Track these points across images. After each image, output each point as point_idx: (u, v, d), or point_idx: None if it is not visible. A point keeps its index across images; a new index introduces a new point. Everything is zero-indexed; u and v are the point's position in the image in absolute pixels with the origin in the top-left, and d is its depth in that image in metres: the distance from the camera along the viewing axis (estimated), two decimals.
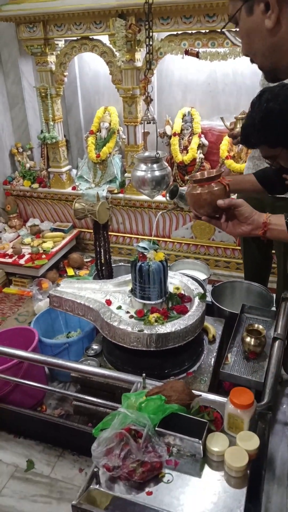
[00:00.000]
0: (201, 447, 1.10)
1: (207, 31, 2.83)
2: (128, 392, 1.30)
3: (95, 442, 1.09)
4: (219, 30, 1.07)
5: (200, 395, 1.28)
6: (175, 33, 2.92)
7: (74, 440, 1.86)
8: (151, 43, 1.64)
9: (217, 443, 1.11)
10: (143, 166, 1.88)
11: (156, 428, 1.13)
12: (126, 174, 3.54)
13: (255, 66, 0.93)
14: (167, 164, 1.96)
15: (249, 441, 1.10)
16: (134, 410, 1.16)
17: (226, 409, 1.16)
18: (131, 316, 1.80)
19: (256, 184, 1.65)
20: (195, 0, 2.66)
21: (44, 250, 3.41)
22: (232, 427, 1.16)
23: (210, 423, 1.17)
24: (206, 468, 1.09)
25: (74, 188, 3.74)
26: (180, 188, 1.88)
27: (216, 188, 1.26)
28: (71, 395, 1.89)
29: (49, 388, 1.91)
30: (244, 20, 0.85)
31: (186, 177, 3.32)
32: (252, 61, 0.92)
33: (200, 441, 1.10)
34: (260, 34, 0.82)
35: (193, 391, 1.27)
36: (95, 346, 1.97)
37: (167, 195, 1.88)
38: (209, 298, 2.17)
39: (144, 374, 1.37)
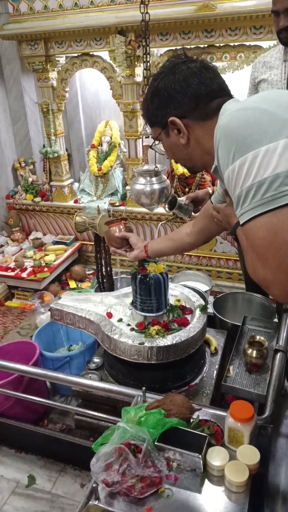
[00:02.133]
0: (201, 461, 1.09)
1: (206, 45, 2.87)
2: (129, 406, 1.30)
3: (94, 457, 1.09)
4: (150, 147, 1.31)
5: (200, 409, 1.27)
6: (174, 48, 2.97)
7: (75, 455, 1.85)
8: (148, 59, 1.67)
9: (217, 457, 1.10)
10: (142, 180, 1.90)
11: (156, 443, 1.12)
12: (127, 187, 3.57)
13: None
14: (166, 177, 1.98)
15: (250, 456, 1.09)
16: (134, 424, 1.15)
17: (226, 423, 1.14)
18: (132, 329, 1.80)
19: None
20: (193, 16, 2.71)
21: (46, 263, 3.42)
22: (233, 441, 1.15)
23: (210, 437, 1.16)
24: (207, 483, 1.08)
25: (76, 201, 3.77)
26: (179, 198, 1.90)
27: (117, 227, 1.75)
28: (73, 410, 1.88)
29: (51, 402, 1.90)
30: (165, 140, 1.16)
31: (187, 189, 3.35)
32: (176, 162, 1.10)
33: (200, 456, 1.08)
34: (178, 148, 1.13)
35: (193, 404, 1.26)
36: (96, 360, 1.96)
37: (166, 206, 1.91)
38: (211, 310, 2.17)
39: (144, 388, 1.36)
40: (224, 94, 1.08)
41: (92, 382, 1.65)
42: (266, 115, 0.90)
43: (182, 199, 1.90)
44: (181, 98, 1.05)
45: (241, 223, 0.93)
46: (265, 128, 0.88)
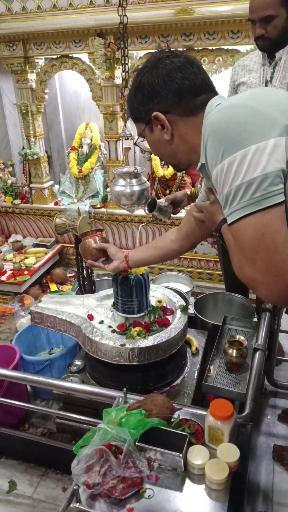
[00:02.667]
0: (182, 460, 1.09)
1: (185, 49, 2.90)
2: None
3: (75, 459, 1.08)
4: (134, 143, 1.30)
5: (181, 408, 1.28)
6: (153, 51, 2.98)
7: (57, 459, 1.83)
8: (127, 62, 1.68)
9: (197, 456, 1.11)
10: (122, 181, 1.91)
11: (137, 443, 1.13)
12: (108, 189, 3.57)
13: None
14: (146, 179, 1.99)
15: (229, 453, 1.10)
16: (115, 425, 1.16)
17: (206, 422, 1.16)
18: (114, 331, 1.80)
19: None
20: (171, 20, 2.74)
21: (26, 266, 3.39)
22: (213, 439, 1.16)
23: (190, 436, 1.17)
24: (187, 482, 1.09)
25: (56, 204, 3.75)
26: (158, 201, 1.90)
27: (93, 239, 1.70)
28: (54, 413, 1.86)
29: (31, 406, 1.88)
30: (149, 136, 1.14)
31: (168, 191, 3.37)
32: (161, 159, 1.10)
33: (181, 455, 1.09)
34: (162, 144, 1.12)
35: (173, 404, 1.27)
36: (77, 362, 1.95)
37: (146, 208, 1.90)
38: (192, 310, 2.18)
39: (125, 389, 1.36)
40: (209, 90, 1.06)
41: (73, 384, 1.64)
42: (255, 113, 0.89)
43: (162, 201, 1.91)
44: (165, 93, 1.04)
45: (229, 222, 0.93)
46: (255, 127, 0.87)
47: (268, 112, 0.89)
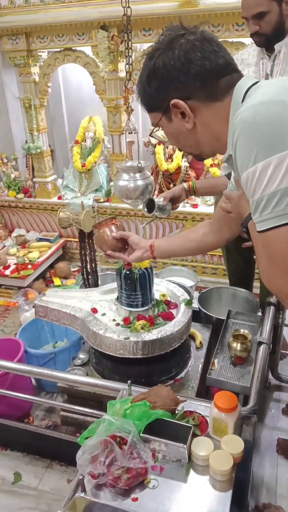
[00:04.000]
0: (186, 451, 1.10)
1: None
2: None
3: (80, 450, 1.09)
4: (149, 134, 1.16)
5: (185, 400, 1.29)
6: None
7: (62, 451, 1.84)
8: (130, 54, 1.67)
9: (202, 447, 1.11)
10: (125, 176, 1.90)
11: (141, 434, 1.13)
12: (111, 183, 3.56)
13: None
14: (149, 174, 1.98)
15: (234, 445, 1.10)
16: (119, 417, 1.16)
17: (211, 413, 1.16)
18: (117, 324, 1.80)
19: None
20: (175, 12, 2.72)
21: (30, 260, 3.39)
22: (217, 431, 1.16)
23: (195, 427, 1.17)
24: (192, 473, 1.10)
25: (59, 198, 3.75)
26: (156, 200, 1.85)
27: (108, 228, 1.61)
28: (58, 405, 1.87)
29: (36, 399, 1.90)
30: (167, 126, 1.03)
31: (171, 185, 3.36)
32: (180, 150, 1.15)
33: (185, 446, 1.10)
34: (183, 134, 1.01)
35: (178, 396, 1.28)
36: (82, 356, 1.96)
37: (144, 210, 1.84)
38: (196, 305, 2.18)
39: (129, 381, 1.37)
40: (232, 70, 0.95)
41: (77, 377, 1.65)
42: None
43: (160, 200, 1.86)
44: (184, 77, 0.92)
45: (258, 229, 0.87)
46: None
47: None
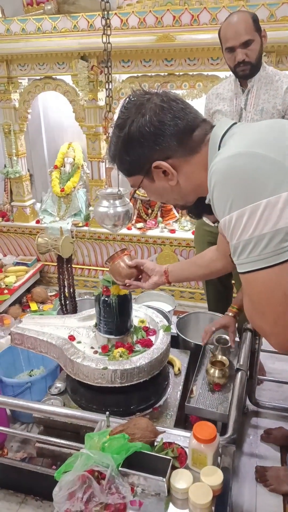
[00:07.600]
0: (165, 485, 1.09)
1: (166, 74, 2.98)
2: (92, 432, 1.28)
3: (57, 486, 1.06)
4: (131, 196, 1.12)
5: (164, 431, 1.28)
6: (135, 75, 3.06)
7: (37, 485, 1.78)
8: (110, 87, 1.72)
9: (181, 480, 1.10)
10: (105, 203, 1.92)
11: (120, 468, 1.11)
12: (90, 208, 3.58)
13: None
14: (128, 200, 2.01)
15: (213, 476, 1.10)
16: (97, 450, 1.14)
17: (190, 445, 1.15)
18: (96, 352, 1.78)
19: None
20: (153, 46, 2.82)
21: (6, 285, 3.34)
22: (196, 462, 1.16)
23: (174, 459, 1.16)
24: (171, 507, 1.08)
25: (38, 222, 3.74)
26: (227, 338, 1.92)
27: (121, 260, 1.60)
28: (34, 437, 1.82)
29: (10, 430, 1.84)
30: (150, 186, 1.06)
31: (150, 211, 3.40)
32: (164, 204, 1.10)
33: (164, 479, 1.08)
34: (167, 190, 1.05)
35: (157, 427, 1.27)
36: (58, 384, 1.92)
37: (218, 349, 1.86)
38: (174, 330, 2.19)
39: (107, 413, 1.35)
40: (201, 121, 1.00)
41: (54, 408, 1.61)
42: (266, 163, 0.84)
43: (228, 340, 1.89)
44: (161, 140, 0.96)
45: (238, 271, 0.90)
46: (266, 179, 0.83)
47: (280, 161, 0.84)
